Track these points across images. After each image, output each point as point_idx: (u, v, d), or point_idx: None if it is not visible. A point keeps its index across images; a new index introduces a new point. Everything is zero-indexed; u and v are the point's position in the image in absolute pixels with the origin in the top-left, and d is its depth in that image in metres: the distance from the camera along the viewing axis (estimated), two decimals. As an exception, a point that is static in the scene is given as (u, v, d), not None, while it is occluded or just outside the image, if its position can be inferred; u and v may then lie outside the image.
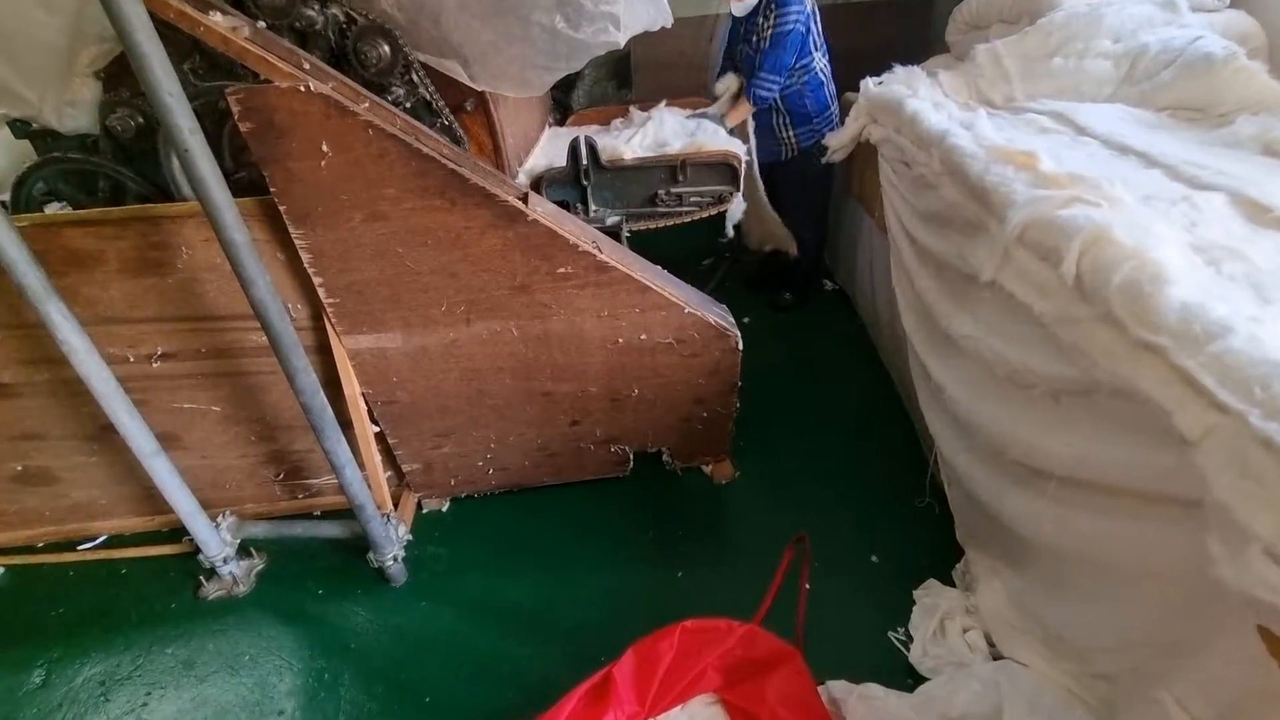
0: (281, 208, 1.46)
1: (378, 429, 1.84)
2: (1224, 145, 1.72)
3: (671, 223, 2.04)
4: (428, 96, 1.75)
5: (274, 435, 1.89)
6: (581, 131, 2.54)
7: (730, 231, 2.35)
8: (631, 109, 2.60)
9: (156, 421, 1.73)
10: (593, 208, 1.98)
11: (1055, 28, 2.11)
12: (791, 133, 2.55)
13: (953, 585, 1.67)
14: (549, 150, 2.31)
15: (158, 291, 1.62)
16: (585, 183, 1.94)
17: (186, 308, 1.64)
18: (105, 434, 1.78)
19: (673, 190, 1.98)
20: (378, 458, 1.83)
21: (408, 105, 1.75)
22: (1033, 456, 1.37)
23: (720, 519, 1.99)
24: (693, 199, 2.00)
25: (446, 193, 1.49)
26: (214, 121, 1.57)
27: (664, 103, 2.55)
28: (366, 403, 1.78)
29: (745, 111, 2.42)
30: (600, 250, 1.64)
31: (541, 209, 1.59)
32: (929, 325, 1.86)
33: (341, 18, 1.63)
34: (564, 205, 1.98)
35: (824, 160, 2.58)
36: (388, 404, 1.80)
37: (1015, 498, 1.44)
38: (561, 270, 1.63)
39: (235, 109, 1.34)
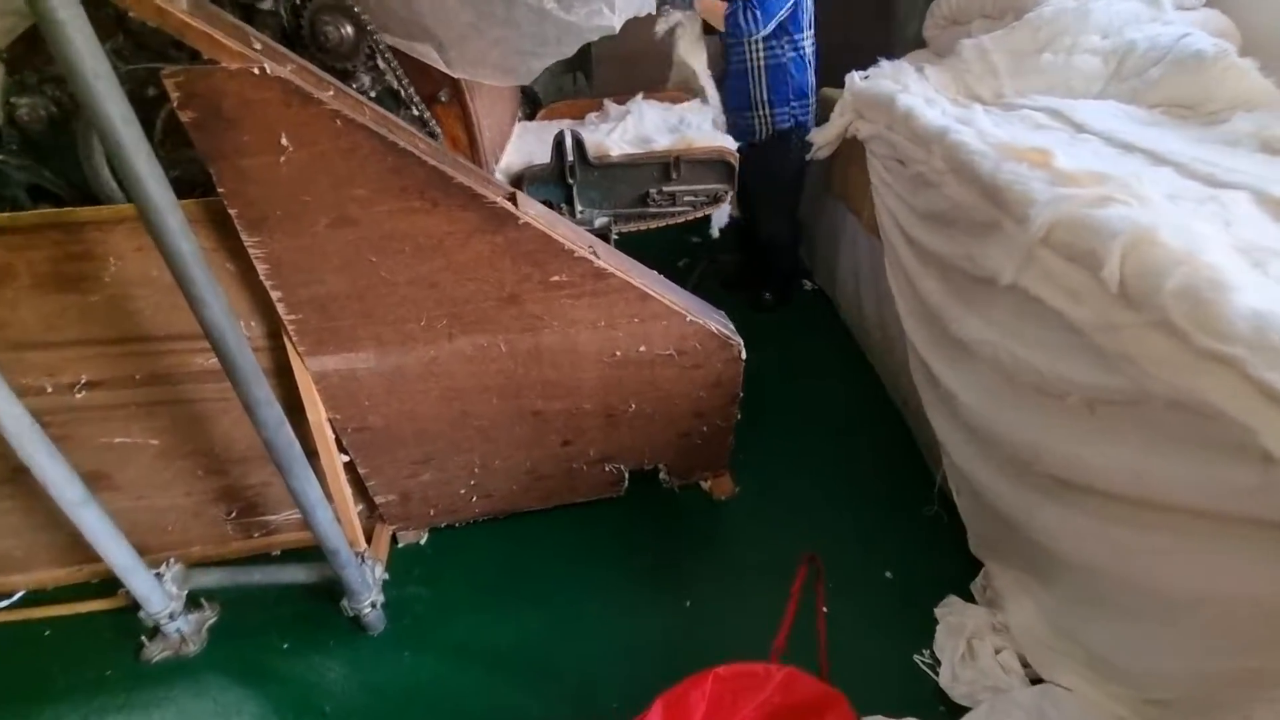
0: (232, 211, 1.25)
1: (346, 458, 1.64)
2: (1222, 143, 1.70)
3: (663, 224, 1.91)
4: (396, 85, 1.56)
5: (224, 469, 1.66)
6: (556, 126, 2.39)
7: (715, 233, 2.24)
8: (606, 102, 2.46)
9: (82, 460, 1.49)
10: (579, 208, 1.83)
11: (1044, 23, 2.08)
12: (768, 111, 2.41)
13: (974, 601, 1.61)
14: (522, 147, 2.14)
15: (80, 310, 1.38)
16: (571, 181, 1.78)
17: (115, 328, 1.41)
18: (19, 475, 1.52)
19: (665, 189, 1.85)
20: (348, 491, 1.64)
21: (373, 94, 1.56)
22: (1068, 469, 1.30)
23: (724, 538, 1.88)
24: (686, 198, 1.87)
25: (427, 193, 1.32)
26: (143, 110, 1.34)
27: (640, 95, 2.42)
28: (334, 430, 1.58)
29: (718, 8, 2.23)
30: (597, 256, 1.49)
31: (533, 211, 1.43)
32: (935, 329, 1.79)
33: (295, -7, 1.43)
34: (547, 205, 1.82)
35: (808, 157, 2.50)
36: (358, 431, 1.60)
37: (1047, 512, 1.37)
38: (555, 278, 1.48)
39: (174, 95, 1.13)
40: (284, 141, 1.20)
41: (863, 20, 3.41)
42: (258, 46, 1.24)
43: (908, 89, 2.13)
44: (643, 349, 1.64)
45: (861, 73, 2.34)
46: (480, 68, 1.50)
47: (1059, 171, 1.46)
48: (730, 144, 1.89)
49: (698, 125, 2.07)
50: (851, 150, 2.45)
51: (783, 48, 2.29)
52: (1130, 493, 1.18)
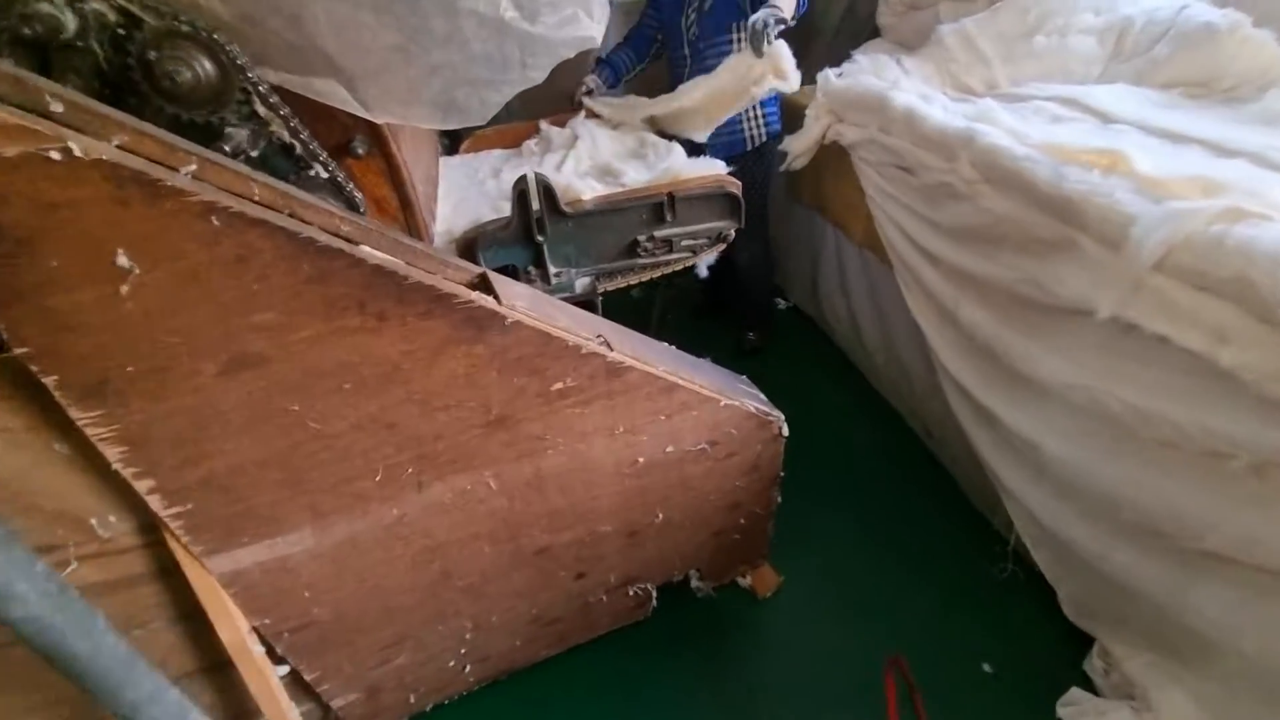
0: (48, 380, 0.77)
1: (286, 668, 1.16)
2: (1262, 123, 1.54)
3: (657, 275, 1.54)
4: (289, 138, 1.10)
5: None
6: (486, 159, 1.97)
7: (703, 271, 1.89)
8: (543, 125, 2.06)
9: None
10: (553, 271, 1.43)
11: (1032, 3, 1.87)
12: (760, 110, 2.10)
13: (1093, 686, 1.36)
14: (452, 195, 1.70)
15: None
16: (540, 238, 1.38)
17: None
18: None
19: (658, 234, 1.47)
20: (293, 715, 1.16)
21: (254, 154, 1.09)
22: (1236, 546, 1.06)
23: (782, 648, 1.54)
24: (685, 243, 1.51)
25: (369, 304, 0.88)
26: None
27: (582, 114, 2.04)
28: (263, 638, 1.10)
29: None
30: (609, 347, 1.11)
31: (521, 303, 1.02)
32: (989, 365, 1.53)
33: (112, 18, 0.94)
34: (509, 272, 1.41)
35: (783, 167, 2.20)
36: (298, 631, 1.13)
37: (1205, 593, 1.12)
38: (558, 385, 1.08)
39: (-99, 209, 0.64)
40: (122, 261, 0.73)
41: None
42: (58, 109, 0.76)
43: (898, 85, 1.87)
44: (670, 449, 1.27)
45: (834, 70, 2.07)
46: (413, 107, 1.07)
47: (1145, 178, 1.22)
48: (722, 169, 1.55)
49: (666, 148, 1.71)
50: (826, 156, 2.17)
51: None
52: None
